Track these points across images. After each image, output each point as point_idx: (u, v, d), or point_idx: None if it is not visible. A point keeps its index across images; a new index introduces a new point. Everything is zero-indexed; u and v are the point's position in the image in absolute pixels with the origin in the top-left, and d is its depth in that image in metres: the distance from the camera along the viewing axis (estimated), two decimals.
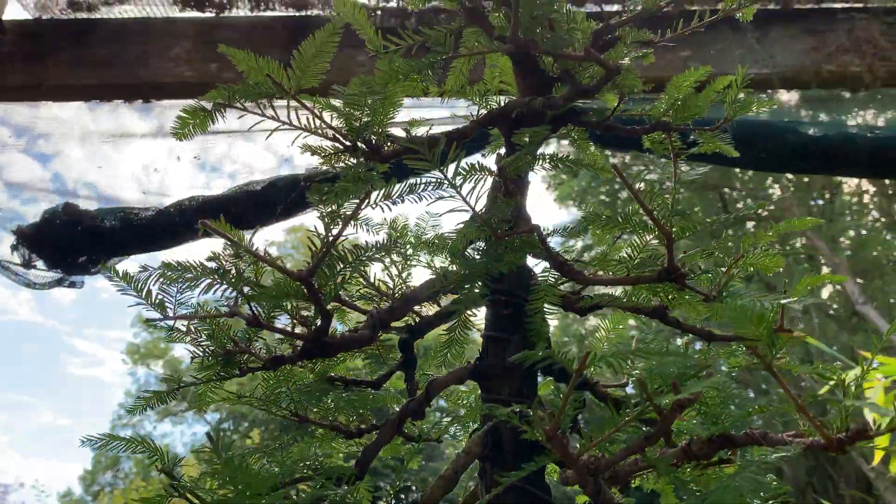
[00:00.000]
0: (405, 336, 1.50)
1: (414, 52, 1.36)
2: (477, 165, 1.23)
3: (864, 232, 16.26)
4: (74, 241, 3.20)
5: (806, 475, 16.67)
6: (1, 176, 3.59)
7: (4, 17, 3.55)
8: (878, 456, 3.86)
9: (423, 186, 1.27)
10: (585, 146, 1.56)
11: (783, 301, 1.19)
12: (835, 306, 16.01)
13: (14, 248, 3.19)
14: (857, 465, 14.40)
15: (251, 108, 1.36)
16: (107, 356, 46.46)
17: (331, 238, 1.21)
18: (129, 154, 3.57)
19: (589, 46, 1.28)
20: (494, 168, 1.37)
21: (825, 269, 15.19)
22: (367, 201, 1.25)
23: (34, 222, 3.24)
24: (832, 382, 1.27)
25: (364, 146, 1.37)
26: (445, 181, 1.19)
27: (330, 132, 1.36)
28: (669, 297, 1.32)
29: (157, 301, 1.26)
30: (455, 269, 1.34)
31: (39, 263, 3.22)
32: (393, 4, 3.60)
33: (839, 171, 4.30)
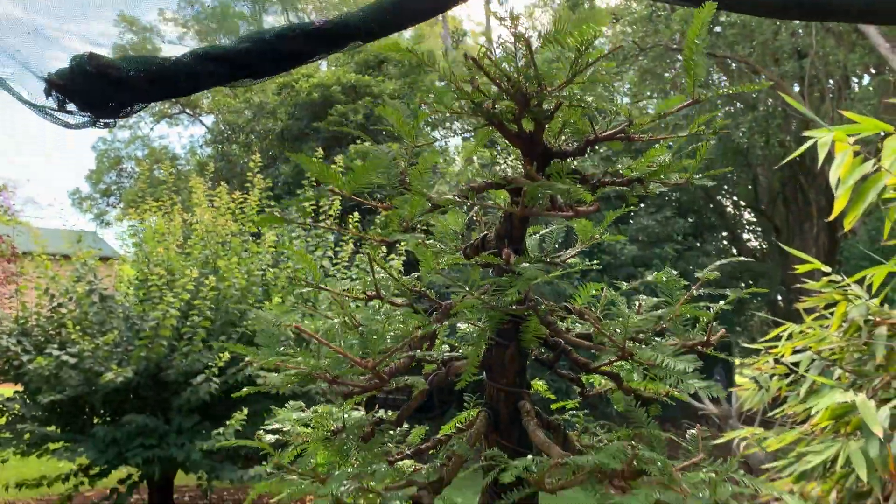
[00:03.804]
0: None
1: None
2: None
3: None
4: (101, 89, 3.47)
5: (779, 184, 17.86)
6: None
7: None
8: (838, 209, 4.47)
9: None
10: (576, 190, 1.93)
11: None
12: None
13: (48, 93, 3.47)
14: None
15: None
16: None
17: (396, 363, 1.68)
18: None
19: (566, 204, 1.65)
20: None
21: None
22: None
23: (63, 69, 3.47)
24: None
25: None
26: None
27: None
28: None
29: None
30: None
31: (71, 106, 3.51)
32: None
33: (834, 18, 4.37)
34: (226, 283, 9.36)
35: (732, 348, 17.19)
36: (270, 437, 2.10)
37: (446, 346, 2.37)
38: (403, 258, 10.45)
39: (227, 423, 8.57)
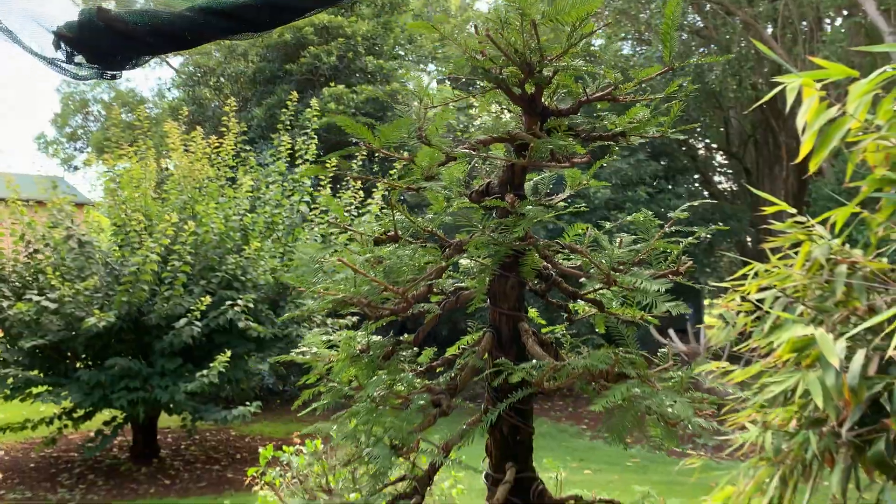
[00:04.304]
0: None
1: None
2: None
3: None
4: (108, 42, 3.69)
5: (751, 127, 18.30)
6: None
7: None
8: (804, 152, 4.82)
9: None
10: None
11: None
12: None
13: (56, 46, 3.68)
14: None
15: None
16: None
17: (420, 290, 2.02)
18: None
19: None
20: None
21: None
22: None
23: (71, 23, 3.68)
24: None
25: None
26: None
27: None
28: None
29: None
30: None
31: (79, 58, 3.73)
32: None
33: None
34: (204, 228, 9.58)
35: (702, 289, 17.80)
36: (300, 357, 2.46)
37: (450, 280, 2.72)
38: (381, 205, 10.74)
39: (211, 364, 8.91)
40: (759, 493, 4.27)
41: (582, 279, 2.46)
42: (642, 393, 2.02)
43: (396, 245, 2.43)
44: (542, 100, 2.29)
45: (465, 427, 2.37)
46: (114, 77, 3.97)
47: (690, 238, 2.28)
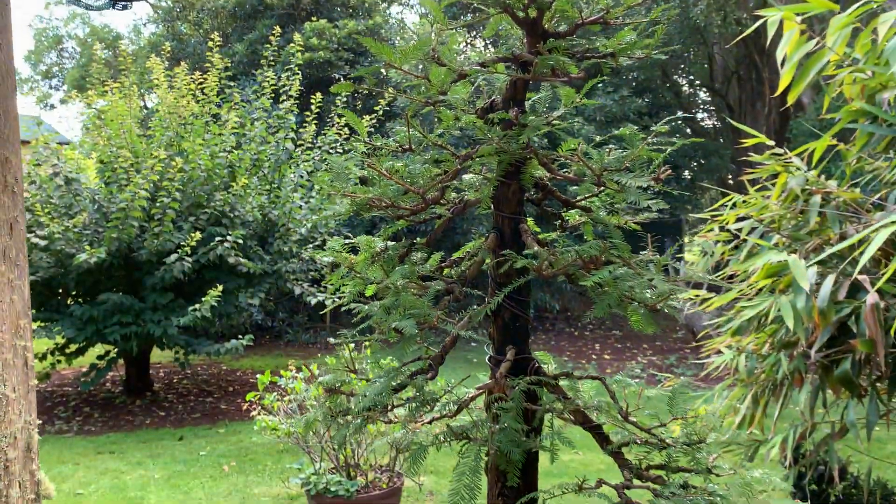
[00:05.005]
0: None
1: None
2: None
3: None
4: None
5: (734, 63, 18.54)
6: None
7: None
8: (783, 84, 5.13)
9: None
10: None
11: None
12: None
13: None
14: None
15: None
16: None
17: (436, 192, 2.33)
18: None
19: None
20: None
21: None
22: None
23: None
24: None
25: None
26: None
27: None
28: None
29: None
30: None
31: None
32: None
33: None
34: (192, 164, 9.76)
35: (682, 226, 18.28)
36: (326, 259, 2.78)
37: (454, 194, 3.05)
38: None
39: (203, 299, 9.22)
40: (731, 412, 4.65)
41: (574, 187, 2.79)
42: (626, 274, 2.37)
43: (408, 158, 2.76)
44: (543, 23, 2.59)
45: (474, 308, 2.72)
46: (125, 7, 4.17)
47: (672, 148, 2.61)
